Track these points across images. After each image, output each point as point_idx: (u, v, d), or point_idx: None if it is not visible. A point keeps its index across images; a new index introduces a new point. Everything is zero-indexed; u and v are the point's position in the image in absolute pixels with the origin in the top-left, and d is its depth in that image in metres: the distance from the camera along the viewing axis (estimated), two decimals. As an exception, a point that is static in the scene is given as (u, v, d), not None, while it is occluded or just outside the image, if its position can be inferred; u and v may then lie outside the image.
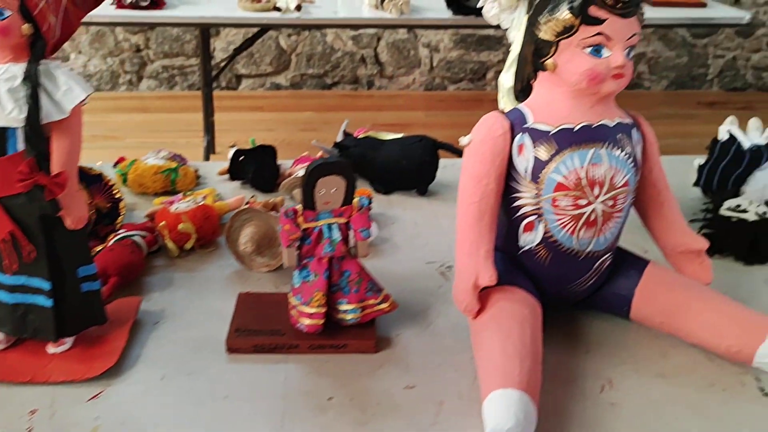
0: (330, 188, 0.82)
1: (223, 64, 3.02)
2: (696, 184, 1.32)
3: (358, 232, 0.85)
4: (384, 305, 0.88)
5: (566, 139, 0.83)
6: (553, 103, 0.85)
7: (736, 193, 1.25)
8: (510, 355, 0.76)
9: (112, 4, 2.34)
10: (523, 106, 0.87)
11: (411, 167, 1.24)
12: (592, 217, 0.84)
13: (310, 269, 0.85)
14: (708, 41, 4.44)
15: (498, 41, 4.26)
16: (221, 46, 3.99)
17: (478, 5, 1.25)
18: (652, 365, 0.88)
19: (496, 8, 1.20)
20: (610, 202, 0.84)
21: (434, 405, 0.79)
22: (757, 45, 4.48)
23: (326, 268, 0.85)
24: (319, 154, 1.30)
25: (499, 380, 0.74)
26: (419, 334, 0.91)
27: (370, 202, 0.86)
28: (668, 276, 0.91)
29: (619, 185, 0.84)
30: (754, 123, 1.49)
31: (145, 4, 2.35)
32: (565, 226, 0.84)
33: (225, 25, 2.66)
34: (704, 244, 0.92)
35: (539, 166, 0.83)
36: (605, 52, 0.81)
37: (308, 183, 0.81)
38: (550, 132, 0.83)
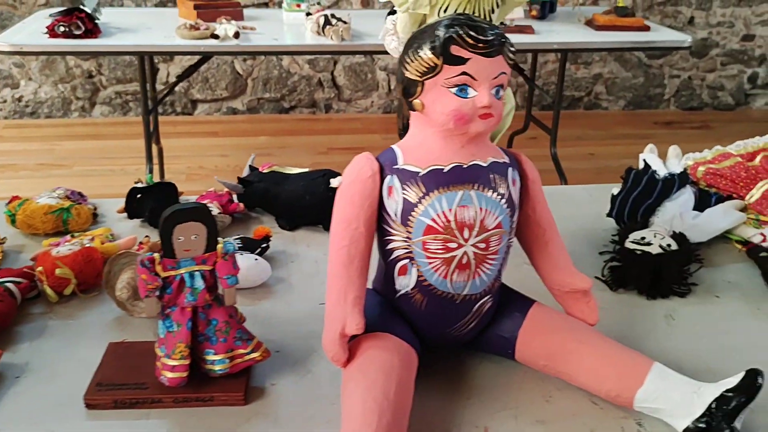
0: (189, 235, 0.79)
1: (166, 91, 2.98)
2: (609, 214, 1.31)
3: (224, 279, 0.82)
4: (255, 354, 0.85)
5: (435, 181, 0.80)
6: (424, 144, 0.83)
7: (645, 224, 1.23)
8: (369, 409, 0.73)
9: (45, 33, 2.30)
10: (396, 147, 0.85)
11: (315, 202, 1.21)
12: (464, 260, 0.81)
13: (173, 319, 0.81)
14: (663, 62, 4.49)
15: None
16: (176, 72, 3.96)
17: (379, 39, 1.23)
18: (533, 410, 0.85)
19: (395, 41, 1.17)
20: (482, 245, 0.81)
21: (295, 462, 0.76)
22: (712, 65, 4.53)
23: (189, 317, 0.81)
24: (225, 190, 1.27)
25: (355, 436, 0.70)
26: (297, 383, 0.88)
27: (234, 249, 0.82)
28: (552, 318, 0.89)
29: (491, 227, 0.81)
30: (672, 151, 1.49)
31: (78, 32, 2.31)
32: (437, 270, 0.82)
33: (162, 53, 2.62)
34: (588, 283, 0.90)
35: (408, 208, 0.81)
36: (471, 92, 0.79)
37: (164, 230, 0.78)
38: (419, 173, 0.81)
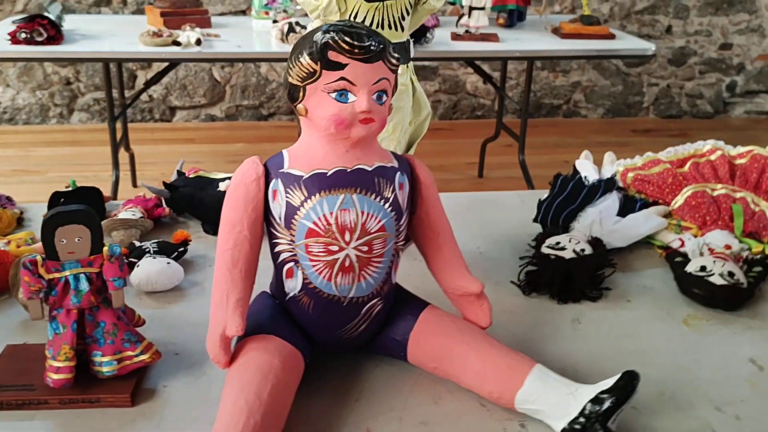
0: (72, 237, 0.80)
1: (133, 98, 3.00)
2: (535, 219, 1.32)
3: (110, 281, 0.83)
4: (144, 356, 0.86)
5: (317, 185, 0.81)
6: (310, 149, 0.84)
7: (566, 229, 1.24)
8: (240, 409, 0.74)
9: (7, 39, 2.32)
10: (285, 151, 0.86)
11: (237, 207, 1.21)
12: (347, 263, 0.82)
13: (59, 321, 0.82)
14: (641, 70, 4.51)
15: (433, 71, 4.29)
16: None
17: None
18: (420, 412, 0.86)
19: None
20: (365, 248, 0.82)
21: (174, 462, 0.77)
22: (690, 73, 4.55)
23: (74, 319, 0.82)
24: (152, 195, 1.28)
25: (221, 436, 0.71)
26: (190, 385, 0.89)
27: (120, 251, 0.83)
28: (443, 321, 0.90)
29: (374, 231, 0.82)
30: (607, 157, 1.50)
31: (41, 39, 2.33)
32: (321, 272, 0.83)
33: (120, 60, 2.64)
34: (478, 287, 0.91)
35: (291, 211, 0.82)
36: (351, 97, 0.80)
37: (45, 233, 0.79)
38: (302, 177, 0.82)
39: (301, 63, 0.80)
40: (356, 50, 0.78)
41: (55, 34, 2.37)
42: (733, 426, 0.86)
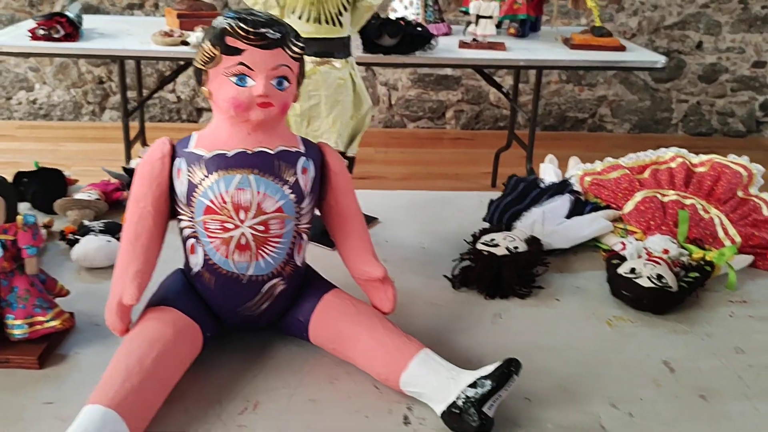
0: (-14, 206, 0.86)
1: (147, 96, 3.11)
2: (485, 219, 1.33)
3: (24, 249, 0.88)
4: (55, 322, 0.90)
5: (216, 165, 0.85)
6: (216, 130, 0.88)
7: (509, 228, 1.25)
8: (118, 371, 0.77)
9: (28, 36, 2.43)
10: (195, 133, 0.90)
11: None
12: (243, 241, 0.85)
13: (-26, 284, 0.87)
14: (671, 86, 4.43)
15: (456, 81, 4.30)
16: (182, 80, 4.10)
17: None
18: (312, 390, 0.88)
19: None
20: (261, 227, 0.85)
21: (60, 421, 0.80)
22: (722, 90, 4.46)
23: (-11, 283, 0.87)
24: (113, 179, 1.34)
25: (95, 396, 0.75)
26: (100, 353, 0.92)
27: (35, 220, 0.88)
28: (344, 304, 0.92)
29: (270, 211, 0.85)
30: (572, 161, 1.51)
31: (58, 36, 2.44)
32: (218, 249, 0.86)
33: (138, 58, 2.75)
34: (381, 272, 0.93)
35: (191, 189, 0.85)
36: (249, 82, 0.83)
37: (-40, 200, 0.84)
38: (203, 157, 0.86)
39: (203, 48, 0.84)
40: (252, 36, 0.82)
41: (72, 32, 2.48)
42: (623, 422, 0.85)
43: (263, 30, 0.82)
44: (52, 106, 4.12)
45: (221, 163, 0.85)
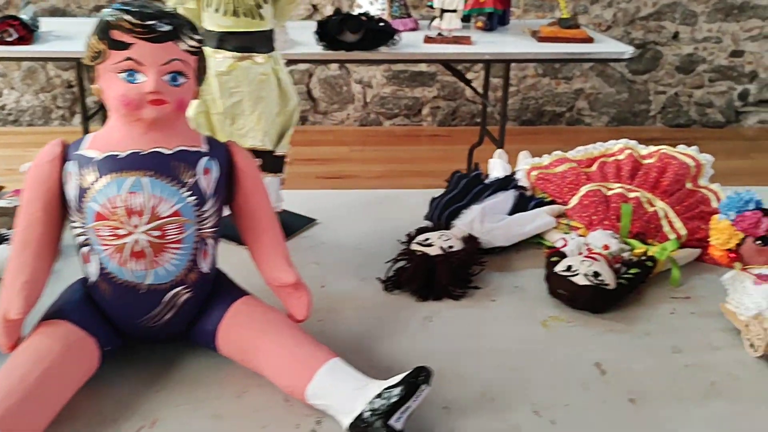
0: None
1: None
2: (426, 217, 1.28)
3: None
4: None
5: (108, 167, 0.80)
6: (110, 130, 0.83)
7: (448, 226, 1.20)
8: (-4, 391, 0.72)
9: (-22, 39, 2.38)
10: (90, 134, 0.85)
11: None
12: (138, 248, 0.80)
13: None
14: (648, 77, 4.40)
15: (431, 77, 4.26)
16: (152, 82, 4.05)
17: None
18: (217, 405, 0.83)
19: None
20: (157, 233, 0.80)
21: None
22: (699, 81, 4.42)
23: None
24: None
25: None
26: None
27: None
28: (253, 312, 0.87)
29: (165, 215, 0.80)
30: (522, 156, 1.46)
31: (10, 39, 2.38)
32: (112, 257, 0.81)
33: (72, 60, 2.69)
34: (293, 277, 0.88)
35: (81, 193, 0.80)
36: (140, 77, 0.79)
37: None
38: (94, 159, 0.81)
39: (90, 44, 0.79)
40: (139, 29, 0.77)
41: (25, 35, 2.42)
42: (544, 430, 0.81)
43: (151, 22, 0.77)
44: (21, 111, 4.06)
45: (113, 165, 0.80)
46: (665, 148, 1.32)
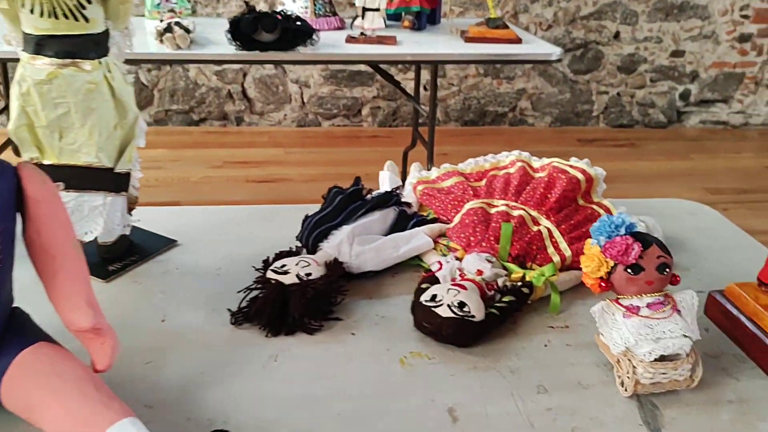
0: None
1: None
2: (298, 237, 1.17)
3: None
4: None
5: None
6: None
7: (314, 249, 1.10)
8: None
9: None
10: None
11: None
12: None
13: None
14: (590, 77, 4.36)
15: (370, 77, 4.15)
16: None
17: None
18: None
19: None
20: None
21: None
22: (641, 81, 4.40)
23: None
24: None
25: None
26: None
27: None
28: (38, 361, 0.75)
29: (-75, 253, 0.68)
30: (414, 167, 1.36)
31: None
32: None
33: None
34: (89, 321, 0.76)
35: None
36: None
37: None
38: None
39: None
40: None
41: None
42: (371, 495, 0.71)
43: None
44: (-64, 112, 3.84)
45: None
46: (557, 161, 1.23)
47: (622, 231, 0.88)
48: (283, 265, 1.01)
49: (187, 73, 3.97)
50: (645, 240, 0.87)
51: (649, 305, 0.86)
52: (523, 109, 4.37)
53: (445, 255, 1.10)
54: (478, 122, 4.37)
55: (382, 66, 2.96)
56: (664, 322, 0.85)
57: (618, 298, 0.89)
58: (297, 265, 1.01)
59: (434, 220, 1.19)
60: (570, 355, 0.94)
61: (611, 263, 0.88)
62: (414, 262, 1.13)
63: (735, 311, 0.97)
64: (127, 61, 1.08)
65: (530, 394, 0.86)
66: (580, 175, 1.19)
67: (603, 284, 0.89)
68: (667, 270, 0.87)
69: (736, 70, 4.37)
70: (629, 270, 0.86)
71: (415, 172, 1.33)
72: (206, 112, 4.09)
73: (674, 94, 4.42)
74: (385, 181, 1.32)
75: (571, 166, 1.21)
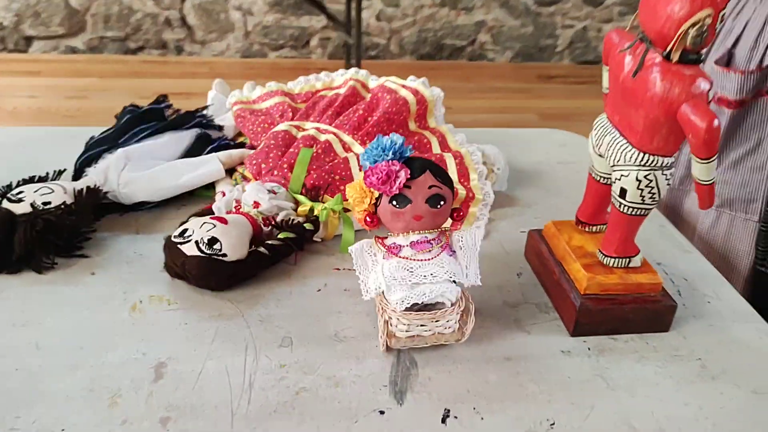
0: None
1: (4, 23, 2.68)
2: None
3: None
4: None
5: None
6: None
7: (79, 175, 0.94)
8: None
9: None
10: None
11: None
12: None
13: None
14: (554, 10, 4.12)
15: (317, 5, 3.91)
16: (3, 4, 3.65)
17: None
18: None
19: None
20: None
21: None
22: (608, 15, 4.16)
23: None
24: None
25: None
26: None
27: None
28: None
29: None
30: (248, 86, 1.20)
31: None
32: None
33: None
34: None
35: None
36: None
37: None
38: None
39: None
40: None
41: None
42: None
43: None
44: None
45: None
46: (391, 79, 1.06)
47: (390, 155, 0.72)
48: (20, 192, 0.86)
49: (121, -2, 3.74)
50: (416, 166, 0.71)
51: (412, 244, 0.70)
52: (482, 42, 4.14)
53: (238, 184, 0.95)
54: (435, 56, 4.15)
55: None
56: (427, 264, 0.70)
57: (385, 237, 0.73)
58: (36, 192, 0.85)
59: (242, 145, 1.03)
60: (342, 302, 0.79)
61: (376, 194, 0.72)
62: (207, 194, 0.98)
63: (547, 252, 0.82)
64: None
65: (269, 348, 0.72)
66: (410, 96, 1.02)
67: (370, 219, 0.74)
68: (442, 203, 0.71)
69: (710, 4, 4.12)
70: (394, 202, 0.71)
71: (243, 91, 1.16)
72: (143, 40, 3.86)
73: (643, 29, 4.19)
74: (213, 101, 1.15)
75: (403, 86, 1.04)
